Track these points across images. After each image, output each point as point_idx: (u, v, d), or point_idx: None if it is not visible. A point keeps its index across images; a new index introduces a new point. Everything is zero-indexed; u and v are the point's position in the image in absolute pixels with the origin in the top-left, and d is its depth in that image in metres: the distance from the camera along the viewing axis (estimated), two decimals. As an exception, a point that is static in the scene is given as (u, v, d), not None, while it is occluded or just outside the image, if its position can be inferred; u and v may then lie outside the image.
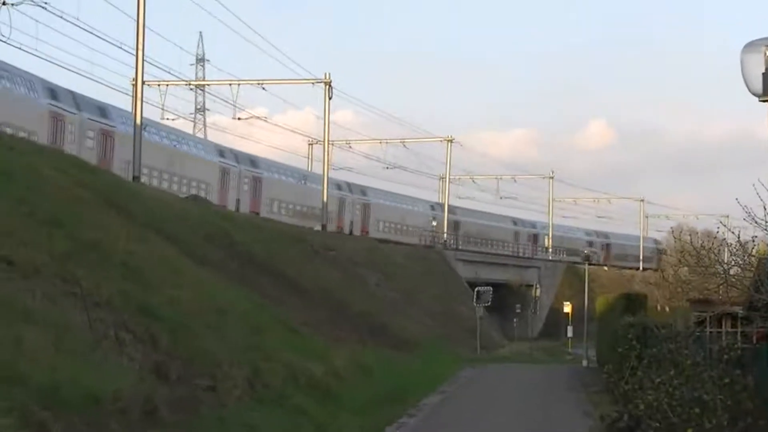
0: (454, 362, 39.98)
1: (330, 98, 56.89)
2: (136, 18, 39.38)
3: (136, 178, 38.92)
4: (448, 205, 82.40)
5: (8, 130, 33.53)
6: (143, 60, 40.35)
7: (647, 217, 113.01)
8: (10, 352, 12.52)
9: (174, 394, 15.17)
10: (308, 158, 79.42)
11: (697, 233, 43.42)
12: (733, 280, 18.32)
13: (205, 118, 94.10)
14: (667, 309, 30.97)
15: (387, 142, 76.51)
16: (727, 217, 23.43)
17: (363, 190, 74.63)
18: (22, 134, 34.90)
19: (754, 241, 18.13)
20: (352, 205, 71.85)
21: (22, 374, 12.16)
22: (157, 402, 14.23)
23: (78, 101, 43.76)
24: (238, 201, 57.65)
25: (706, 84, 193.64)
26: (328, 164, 60.01)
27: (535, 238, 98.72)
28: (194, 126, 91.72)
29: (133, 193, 31.92)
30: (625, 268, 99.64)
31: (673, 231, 64.18)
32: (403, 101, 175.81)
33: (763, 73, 14.17)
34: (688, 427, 15.26)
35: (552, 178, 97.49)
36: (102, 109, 45.89)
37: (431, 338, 44.63)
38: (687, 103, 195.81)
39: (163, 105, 55.67)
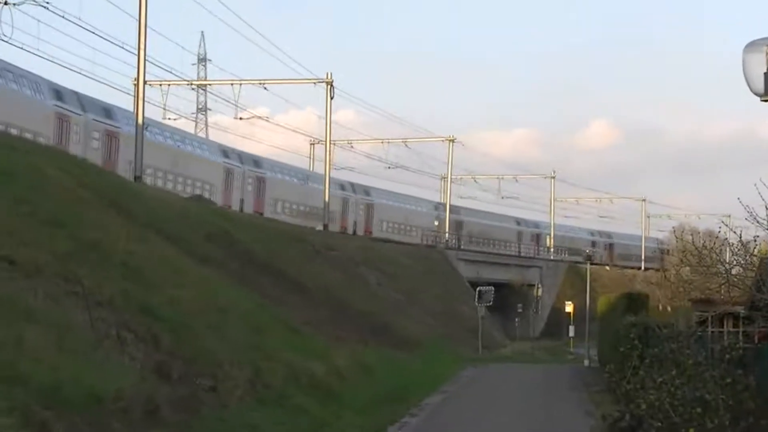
0: (456, 362, 39.96)
1: (332, 98, 56.98)
2: (137, 18, 39.40)
3: (137, 178, 38.91)
4: (452, 205, 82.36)
5: (14, 131, 33.59)
6: (145, 60, 40.37)
7: (649, 216, 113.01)
8: (11, 351, 12.52)
9: (175, 394, 15.19)
10: (310, 158, 79.54)
11: (699, 233, 43.39)
12: (735, 279, 18.34)
13: (206, 118, 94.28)
14: (669, 309, 30.88)
15: (389, 142, 76.54)
16: (729, 216, 23.39)
17: (366, 190, 74.51)
18: (28, 135, 34.97)
19: (755, 240, 18.18)
20: (355, 205, 71.74)
21: (23, 374, 12.16)
22: (159, 402, 14.26)
23: (83, 102, 43.83)
24: (242, 201, 57.62)
25: (707, 84, 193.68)
26: (329, 164, 60.05)
27: (538, 238, 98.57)
28: (196, 126, 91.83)
29: (134, 193, 31.92)
30: (628, 267, 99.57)
31: (675, 231, 64.05)
32: (404, 101, 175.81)
33: (765, 73, 14.11)
34: (690, 427, 15.24)
35: (554, 177, 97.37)
36: (107, 110, 45.97)
37: (433, 338, 44.61)
38: (687, 103, 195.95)
39: (164, 105, 55.80)
